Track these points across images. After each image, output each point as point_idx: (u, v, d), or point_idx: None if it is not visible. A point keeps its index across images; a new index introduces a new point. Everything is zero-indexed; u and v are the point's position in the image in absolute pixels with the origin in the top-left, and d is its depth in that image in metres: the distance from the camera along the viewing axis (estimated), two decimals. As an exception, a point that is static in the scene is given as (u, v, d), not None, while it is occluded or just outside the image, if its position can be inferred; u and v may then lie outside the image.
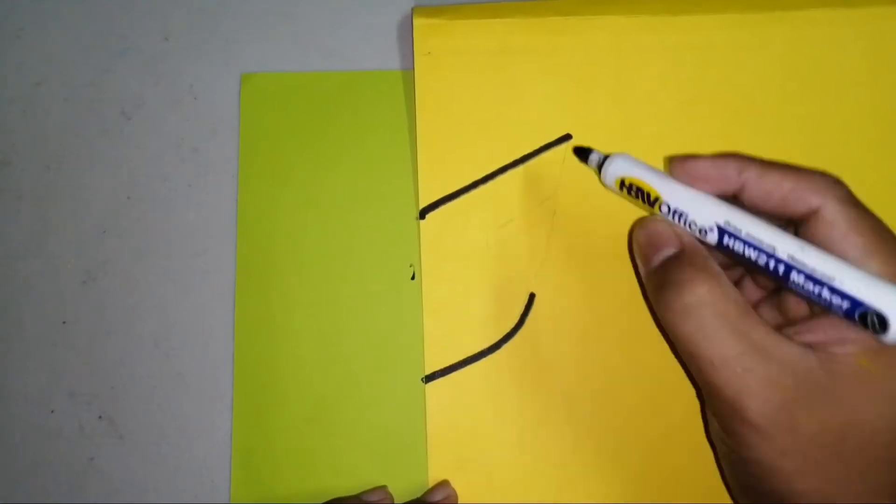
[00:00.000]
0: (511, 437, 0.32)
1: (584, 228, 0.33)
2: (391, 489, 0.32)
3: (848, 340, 0.22)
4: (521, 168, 0.33)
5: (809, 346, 0.23)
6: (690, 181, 0.26)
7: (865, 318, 0.21)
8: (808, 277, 0.22)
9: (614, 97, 0.34)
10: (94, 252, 0.35)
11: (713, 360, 0.23)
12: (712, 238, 0.25)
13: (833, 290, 0.21)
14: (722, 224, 0.24)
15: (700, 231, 0.25)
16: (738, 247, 0.24)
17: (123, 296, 0.35)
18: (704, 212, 0.25)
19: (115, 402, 0.34)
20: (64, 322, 0.35)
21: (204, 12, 0.36)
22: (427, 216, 0.33)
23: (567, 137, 0.33)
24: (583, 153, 0.30)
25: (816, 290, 0.22)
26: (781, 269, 0.23)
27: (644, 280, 0.26)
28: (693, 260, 0.24)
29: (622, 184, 0.28)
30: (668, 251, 0.25)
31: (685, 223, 0.25)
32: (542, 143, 0.33)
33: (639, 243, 0.27)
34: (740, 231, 0.24)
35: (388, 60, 0.36)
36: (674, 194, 0.26)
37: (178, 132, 0.36)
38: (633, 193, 0.28)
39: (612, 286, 0.32)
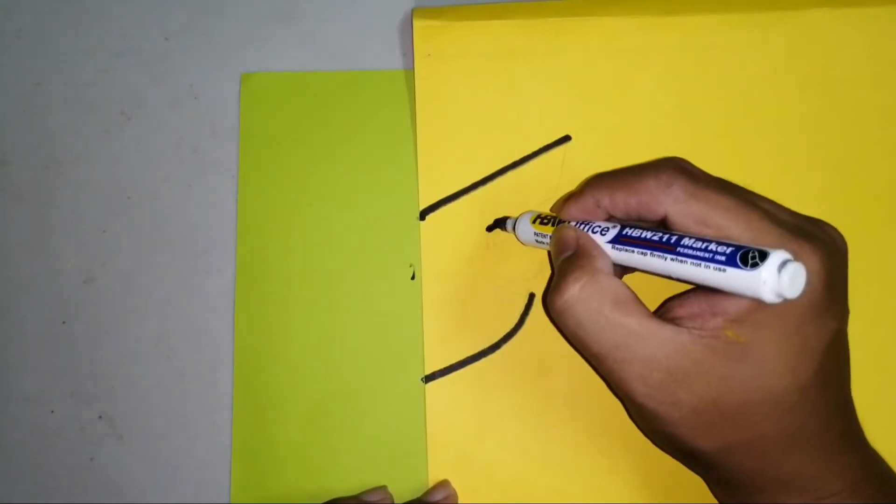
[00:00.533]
0: (511, 437, 0.32)
1: (584, 229, 0.33)
2: (391, 489, 0.32)
3: (717, 313, 0.24)
4: (520, 169, 0.33)
5: (680, 320, 0.25)
6: (571, 219, 0.28)
7: (746, 256, 0.22)
8: (693, 248, 0.23)
9: (614, 98, 0.34)
10: (94, 252, 0.35)
11: (595, 352, 0.25)
12: (612, 233, 0.26)
13: (720, 243, 0.22)
14: (620, 223, 0.26)
15: (602, 231, 0.26)
16: (636, 232, 0.25)
17: (123, 296, 0.35)
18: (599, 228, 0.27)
19: (115, 402, 0.34)
20: (64, 322, 0.35)
21: (204, 12, 0.36)
22: (427, 217, 0.33)
23: (567, 139, 0.33)
24: (498, 224, 0.33)
25: (702, 253, 0.23)
26: (674, 238, 0.24)
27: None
28: (578, 260, 0.26)
29: (535, 220, 0.30)
30: (567, 253, 0.27)
31: (589, 229, 0.27)
32: (542, 145, 0.34)
33: (552, 251, 0.28)
34: (632, 226, 0.26)
35: (389, 60, 0.36)
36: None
37: (178, 132, 0.36)
38: (544, 223, 0.29)
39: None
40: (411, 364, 0.33)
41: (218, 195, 0.35)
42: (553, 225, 0.29)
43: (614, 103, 0.34)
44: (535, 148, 0.33)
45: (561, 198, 0.30)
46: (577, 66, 0.34)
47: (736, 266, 0.22)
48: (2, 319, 0.35)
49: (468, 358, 0.33)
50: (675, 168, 0.25)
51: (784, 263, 0.21)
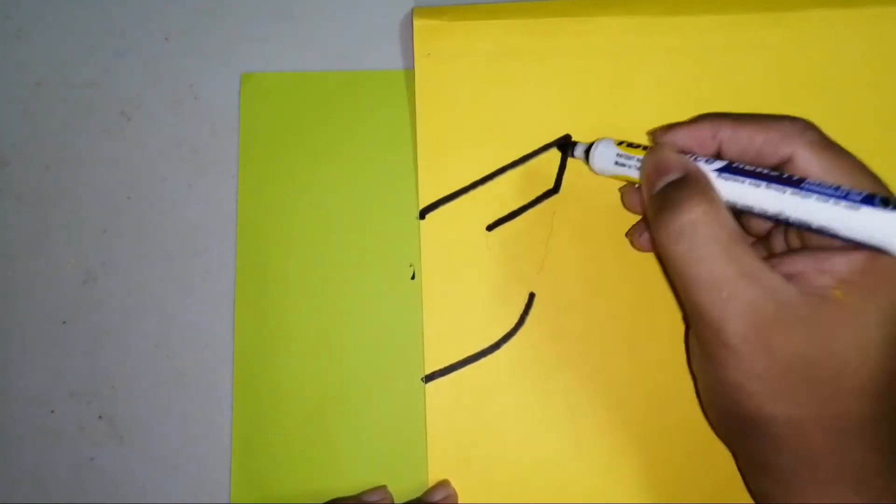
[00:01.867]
0: (511, 437, 0.32)
1: (584, 229, 0.33)
2: (391, 489, 0.32)
3: (825, 271, 0.23)
4: (520, 168, 0.33)
5: (789, 277, 0.23)
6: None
7: (887, 200, 0.21)
8: (820, 186, 0.22)
9: (613, 98, 0.34)
10: (94, 252, 0.35)
11: (701, 282, 0.23)
12: (719, 163, 0.25)
13: (847, 193, 0.22)
14: (725, 162, 0.25)
15: (706, 161, 0.26)
16: (742, 179, 0.24)
17: (123, 296, 0.35)
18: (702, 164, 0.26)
19: (115, 402, 0.34)
20: (64, 322, 0.35)
21: (204, 12, 0.36)
22: (427, 216, 0.33)
23: (566, 138, 0.33)
24: (566, 147, 0.32)
25: (831, 191, 0.22)
26: (790, 188, 0.23)
27: (647, 207, 0.26)
28: (695, 183, 0.25)
29: (622, 142, 0.29)
30: (673, 176, 0.25)
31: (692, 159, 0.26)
32: (542, 144, 0.34)
33: (646, 171, 0.27)
34: (742, 166, 0.25)
35: (389, 60, 0.36)
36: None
37: (178, 132, 0.36)
38: (626, 166, 0.28)
39: (612, 286, 0.33)
40: (411, 364, 0.33)
41: (218, 195, 0.35)
42: (644, 149, 0.27)
43: (613, 103, 0.34)
44: (535, 147, 0.33)
45: (662, 126, 0.28)
46: (576, 66, 0.34)
47: (872, 205, 0.21)
48: (2, 319, 0.35)
49: (468, 358, 0.33)
50: (810, 122, 0.25)
51: None
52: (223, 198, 0.35)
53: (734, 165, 0.25)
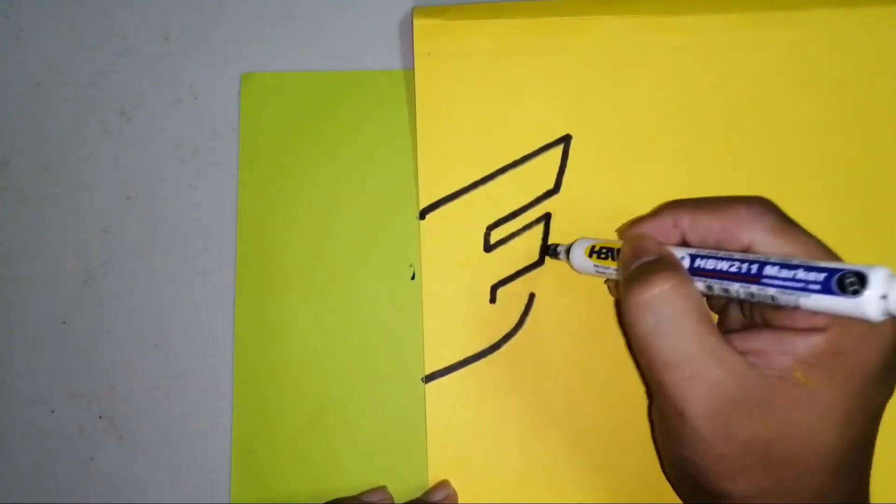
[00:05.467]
0: (511, 437, 0.32)
1: (584, 229, 0.33)
2: (391, 489, 0.32)
3: (785, 352, 0.23)
4: (520, 169, 0.33)
5: (744, 354, 0.24)
6: None
7: (843, 281, 0.21)
8: (783, 266, 0.22)
9: (614, 97, 0.34)
10: (94, 252, 0.35)
11: (665, 359, 0.23)
12: (685, 263, 0.25)
13: (809, 269, 0.22)
14: (692, 252, 0.25)
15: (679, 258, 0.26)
16: (710, 263, 0.24)
17: (123, 296, 0.35)
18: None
19: (115, 402, 0.34)
20: (64, 322, 0.35)
21: (204, 12, 0.36)
22: (427, 216, 0.33)
23: (567, 138, 0.33)
24: (549, 251, 0.32)
25: (792, 273, 0.22)
26: (755, 267, 0.23)
27: (621, 288, 0.26)
28: (668, 262, 0.25)
29: (591, 250, 0.29)
30: (648, 258, 0.26)
31: None
32: (542, 144, 0.33)
33: (623, 257, 0.27)
34: (707, 253, 0.25)
35: (389, 60, 0.36)
36: None
37: (178, 132, 0.36)
38: (603, 256, 0.29)
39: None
40: (411, 364, 0.33)
41: (218, 195, 0.35)
42: (612, 258, 0.28)
43: (614, 102, 0.34)
44: (536, 147, 0.33)
45: (628, 222, 0.29)
46: (577, 65, 0.34)
47: (832, 294, 0.21)
48: (2, 319, 0.35)
49: (468, 358, 0.33)
50: (766, 201, 0.25)
51: (889, 279, 0.20)
52: (223, 198, 0.35)
53: (697, 266, 0.25)
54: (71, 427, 0.34)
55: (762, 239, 0.24)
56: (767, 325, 0.25)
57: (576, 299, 0.33)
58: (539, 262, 0.33)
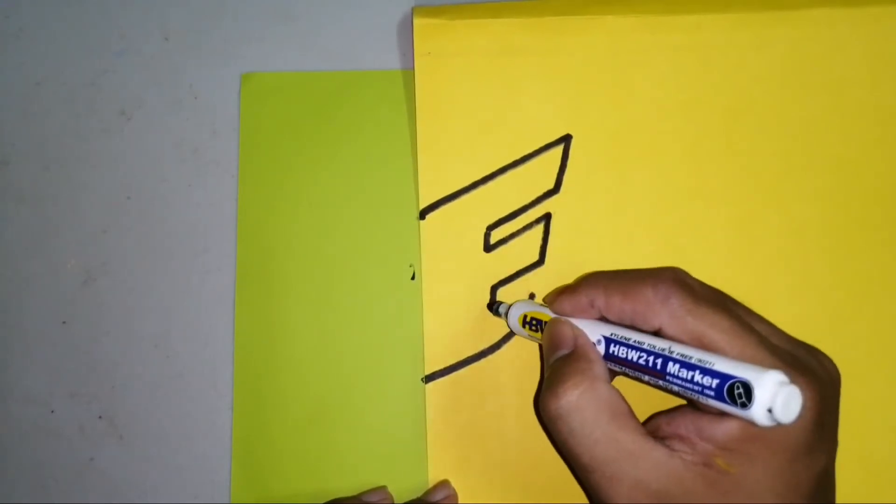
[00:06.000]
0: (511, 437, 0.32)
1: (584, 229, 0.33)
2: (391, 489, 0.32)
3: (706, 438, 0.23)
4: (520, 168, 0.33)
5: (669, 440, 0.24)
6: (564, 314, 0.28)
7: (733, 391, 0.21)
8: (683, 364, 0.23)
9: (614, 97, 0.34)
10: (94, 252, 0.35)
11: (586, 465, 0.24)
12: (601, 349, 0.26)
13: (704, 372, 0.22)
14: (607, 335, 0.26)
15: (596, 342, 0.26)
16: (622, 352, 0.25)
17: (123, 296, 0.35)
18: (589, 329, 0.26)
19: (115, 402, 0.34)
20: (64, 322, 0.35)
21: (204, 12, 0.36)
22: (427, 216, 0.33)
23: (567, 138, 0.33)
24: (492, 308, 0.32)
25: (690, 374, 0.22)
26: (660, 362, 0.23)
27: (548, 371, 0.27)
28: (576, 363, 0.25)
29: (524, 320, 0.30)
30: (563, 351, 0.26)
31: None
32: (542, 144, 0.33)
33: (545, 343, 0.27)
34: (621, 338, 0.25)
35: (388, 60, 0.36)
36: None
37: (178, 132, 0.36)
38: (534, 329, 0.29)
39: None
40: (411, 364, 0.33)
41: (218, 195, 0.35)
42: (539, 329, 0.29)
43: (614, 102, 0.34)
44: (536, 147, 0.33)
45: (555, 290, 0.29)
46: (577, 65, 0.34)
47: (724, 401, 0.21)
48: (2, 319, 0.35)
49: (468, 358, 0.33)
50: (674, 280, 0.25)
51: (776, 388, 0.20)
52: (223, 198, 0.35)
53: (611, 352, 0.25)
54: (71, 427, 0.34)
55: (670, 323, 0.24)
56: (692, 404, 0.25)
57: (576, 299, 0.33)
58: (539, 262, 0.33)
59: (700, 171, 0.33)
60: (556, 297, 0.28)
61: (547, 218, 0.33)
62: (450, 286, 0.33)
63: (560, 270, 0.33)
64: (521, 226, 0.33)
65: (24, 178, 0.36)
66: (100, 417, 0.34)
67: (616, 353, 0.25)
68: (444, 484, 0.32)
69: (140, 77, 0.36)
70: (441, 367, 0.33)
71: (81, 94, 0.36)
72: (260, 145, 0.35)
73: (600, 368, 0.25)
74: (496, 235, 0.33)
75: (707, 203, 0.33)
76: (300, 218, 0.34)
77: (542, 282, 0.33)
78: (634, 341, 0.25)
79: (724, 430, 0.23)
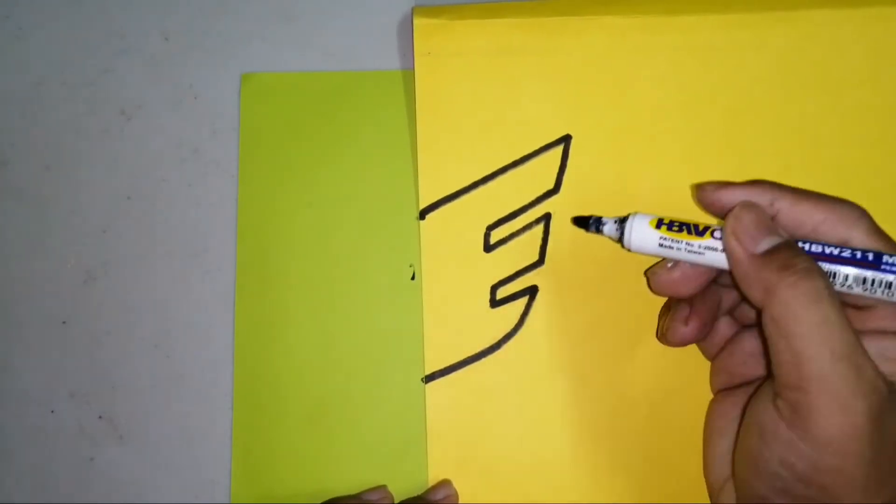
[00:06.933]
0: (511, 437, 0.32)
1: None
2: (391, 489, 0.32)
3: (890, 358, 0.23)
4: (520, 169, 0.33)
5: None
6: (721, 211, 0.26)
7: None
8: None
9: (614, 97, 0.34)
10: (94, 252, 0.35)
11: (832, 351, 0.21)
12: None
13: None
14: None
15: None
16: (816, 248, 0.24)
17: (123, 296, 0.35)
18: None
19: (115, 402, 0.34)
20: (64, 322, 0.35)
21: (204, 12, 0.36)
22: (427, 217, 0.33)
23: (567, 138, 0.33)
24: (584, 223, 0.29)
25: None
26: (871, 255, 0.23)
27: (745, 261, 0.24)
28: (798, 249, 0.24)
29: (660, 223, 0.26)
30: (778, 239, 0.24)
31: None
32: (542, 144, 0.33)
33: (743, 224, 0.24)
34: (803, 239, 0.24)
35: (388, 60, 0.36)
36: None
37: (178, 132, 0.36)
38: (676, 229, 0.26)
39: (612, 286, 0.32)
40: (411, 364, 0.33)
41: (218, 195, 0.35)
42: (688, 232, 0.25)
43: (614, 102, 0.34)
44: (536, 147, 0.33)
45: (708, 182, 0.26)
46: (577, 65, 0.34)
47: None
48: (2, 319, 0.35)
49: (468, 358, 0.33)
50: (861, 208, 0.25)
51: None
52: (223, 198, 0.35)
53: (804, 244, 0.24)
54: (71, 427, 0.34)
55: (860, 238, 0.24)
56: None
57: (576, 299, 0.33)
58: (539, 262, 0.33)
59: (700, 171, 0.33)
60: (722, 186, 0.26)
61: (547, 218, 0.33)
62: (450, 286, 0.33)
63: (560, 270, 0.33)
64: (521, 226, 0.33)
65: (24, 177, 0.36)
66: (100, 417, 0.34)
67: (810, 250, 0.24)
68: (444, 483, 0.32)
69: (140, 77, 0.36)
70: (441, 367, 0.33)
71: (81, 94, 0.36)
72: (260, 145, 0.35)
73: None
74: (496, 235, 0.33)
75: (707, 203, 0.33)
76: (300, 218, 0.34)
77: (543, 282, 0.33)
78: (822, 242, 0.24)
79: None
